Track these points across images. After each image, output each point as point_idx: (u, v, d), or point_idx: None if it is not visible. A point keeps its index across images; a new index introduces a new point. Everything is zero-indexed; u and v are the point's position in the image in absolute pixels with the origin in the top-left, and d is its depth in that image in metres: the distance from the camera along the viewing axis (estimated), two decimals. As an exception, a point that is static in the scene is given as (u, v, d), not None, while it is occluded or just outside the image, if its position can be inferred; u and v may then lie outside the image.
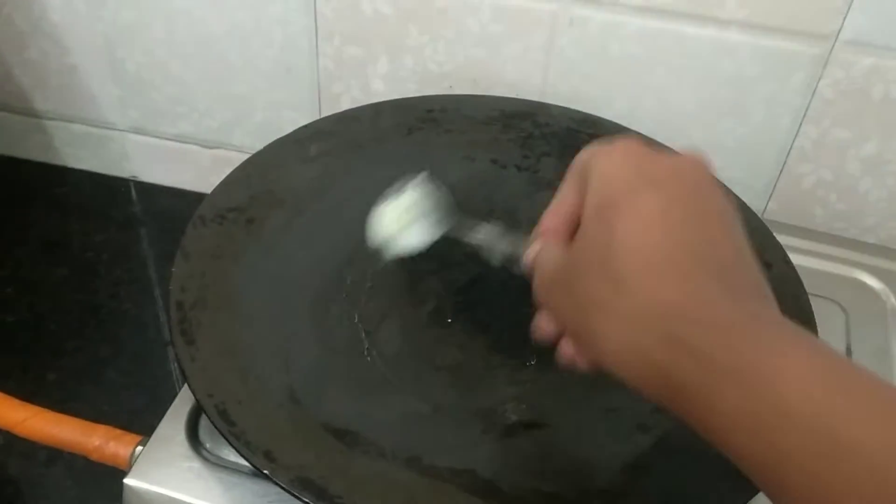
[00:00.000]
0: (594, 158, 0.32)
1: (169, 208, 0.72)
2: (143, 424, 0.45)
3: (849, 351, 0.50)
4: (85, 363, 0.59)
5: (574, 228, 0.33)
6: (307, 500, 0.34)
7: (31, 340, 0.60)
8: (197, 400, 0.38)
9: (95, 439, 0.43)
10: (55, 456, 0.54)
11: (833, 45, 0.52)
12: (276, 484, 0.35)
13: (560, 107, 0.57)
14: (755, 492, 0.37)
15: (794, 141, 0.57)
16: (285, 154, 0.52)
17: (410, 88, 0.61)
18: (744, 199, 0.49)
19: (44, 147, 0.72)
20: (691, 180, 0.30)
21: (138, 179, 0.73)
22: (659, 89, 0.57)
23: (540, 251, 0.35)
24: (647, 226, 0.28)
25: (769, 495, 0.26)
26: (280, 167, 0.51)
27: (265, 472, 0.35)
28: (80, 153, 0.72)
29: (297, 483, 0.35)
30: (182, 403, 0.43)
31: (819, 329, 0.44)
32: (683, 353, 0.26)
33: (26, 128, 0.71)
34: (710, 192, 0.31)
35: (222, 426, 0.37)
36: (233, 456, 0.41)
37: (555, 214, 0.35)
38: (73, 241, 0.68)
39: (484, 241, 0.41)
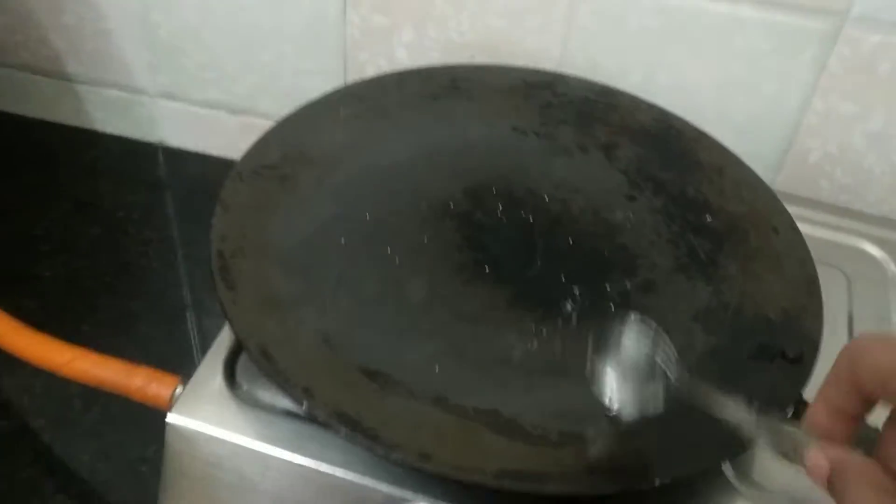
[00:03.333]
0: (868, 354, 0.30)
1: (195, 173, 0.74)
2: (171, 373, 0.48)
3: (851, 316, 0.52)
4: (118, 316, 0.61)
5: (846, 425, 0.32)
6: (343, 432, 0.37)
7: (65, 294, 0.62)
8: (239, 340, 0.40)
9: (137, 380, 0.45)
10: (90, 403, 0.57)
11: (843, 22, 0.54)
12: (314, 417, 0.37)
13: (578, 78, 0.59)
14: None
15: (803, 115, 0.59)
16: (315, 117, 0.54)
17: (433, 58, 0.63)
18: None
19: (75, 111, 0.75)
20: None
21: (166, 144, 0.75)
22: (674, 63, 0.59)
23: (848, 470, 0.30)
24: None
25: None
26: (311, 129, 0.53)
27: (303, 405, 0.38)
28: (110, 117, 0.75)
29: (334, 416, 0.37)
30: (219, 347, 0.46)
31: (823, 295, 0.46)
32: None
33: (59, 91, 0.74)
34: None
35: (263, 364, 0.39)
36: (269, 397, 0.43)
37: (823, 410, 0.33)
38: (103, 202, 0.71)
39: (733, 418, 0.36)
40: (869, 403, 0.31)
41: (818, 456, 0.31)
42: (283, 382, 0.39)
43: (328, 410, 0.38)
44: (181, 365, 0.47)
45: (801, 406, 0.41)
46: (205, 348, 0.47)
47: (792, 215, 0.51)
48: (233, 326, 0.41)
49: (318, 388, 0.39)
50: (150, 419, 0.54)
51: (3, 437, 0.55)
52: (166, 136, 0.75)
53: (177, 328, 0.61)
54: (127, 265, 0.65)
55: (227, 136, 0.72)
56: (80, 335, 0.59)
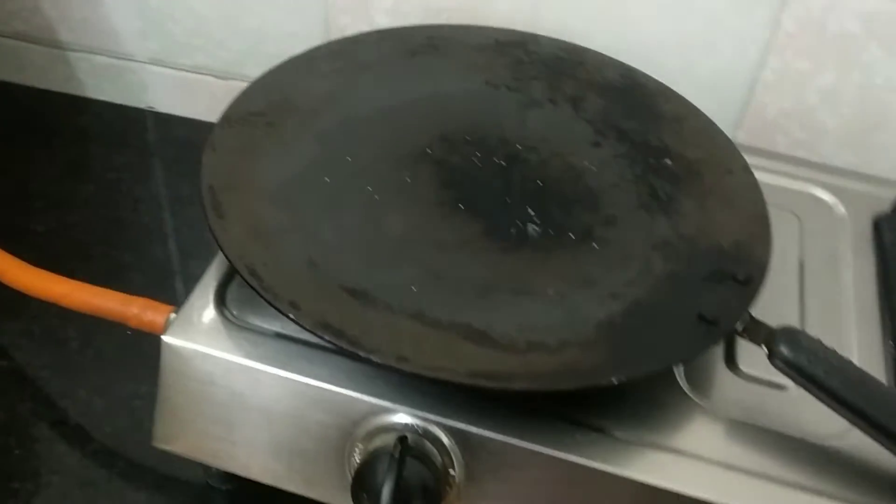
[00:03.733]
0: None
1: (183, 137, 0.77)
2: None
3: (801, 251, 0.56)
4: (111, 266, 0.64)
5: None
6: (328, 340, 0.40)
7: (60, 247, 0.65)
8: (230, 261, 0.43)
9: (134, 308, 0.48)
10: (86, 345, 0.60)
11: (795, -20, 0.58)
12: (301, 326, 0.41)
13: (548, 37, 0.63)
14: (700, 348, 0.43)
15: (759, 72, 0.63)
16: (299, 69, 0.57)
17: (412, 22, 0.66)
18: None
19: (67, 78, 0.78)
20: None
21: (155, 110, 0.78)
22: (639, 22, 0.63)
23: None
24: None
25: None
26: (295, 80, 0.56)
27: (291, 316, 0.41)
28: (100, 84, 0.77)
29: (319, 326, 0.41)
30: (210, 277, 0.49)
31: (775, 234, 0.50)
32: None
33: (51, 59, 0.76)
34: None
35: (252, 281, 0.42)
36: (258, 321, 0.47)
37: None
38: (95, 163, 0.73)
39: None
40: None
41: None
42: (271, 298, 0.42)
43: (313, 321, 0.41)
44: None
45: (749, 321, 0.44)
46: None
47: (750, 165, 0.54)
48: (223, 250, 0.44)
49: (303, 302, 0.42)
50: (142, 359, 0.57)
51: (4, 375, 0.57)
52: (155, 102, 0.78)
53: (166, 277, 0.64)
54: (119, 220, 0.68)
55: (213, 101, 0.75)
56: (75, 283, 0.62)
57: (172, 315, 0.48)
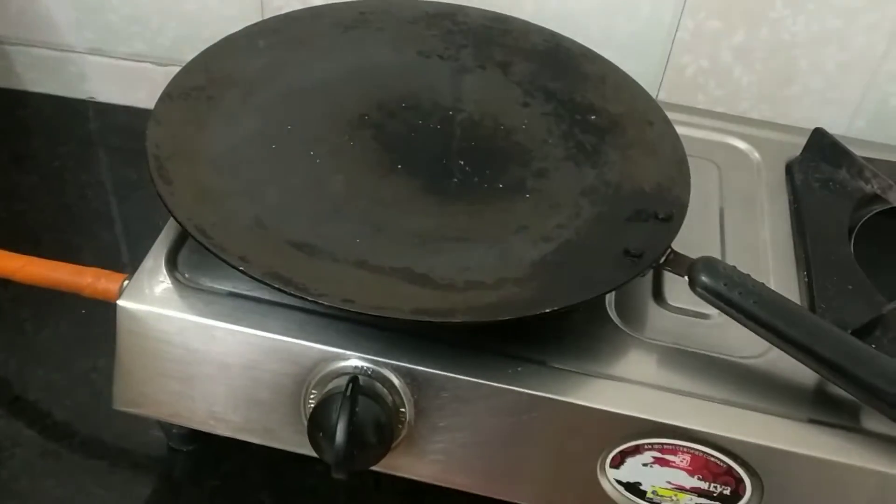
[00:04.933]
0: None
1: (124, 125, 0.78)
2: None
3: (721, 196, 0.59)
4: (62, 250, 0.64)
5: None
6: (277, 287, 0.42)
7: (10, 234, 0.66)
8: (179, 223, 0.45)
9: (88, 277, 0.50)
10: (41, 326, 0.61)
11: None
12: (251, 276, 0.43)
13: (476, 8, 0.66)
14: (626, 278, 0.46)
15: (675, 33, 0.67)
16: (237, 46, 0.59)
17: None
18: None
19: (5, 72, 0.78)
20: None
21: (96, 100, 0.79)
22: (560, -10, 0.66)
23: None
24: None
25: None
26: (233, 56, 0.58)
27: (241, 268, 0.43)
28: (39, 77, 0.78)
29: (269, 276, 0.43)
30: (161, 244, 0.51)
31: (697, 182, 0.53)
32: None
33: (-12, 54, 0.77)
34: None
35: (203, 240, 0.44)
36: (210, 281, 0.48)
37: None
38: (39, 154, 0.74)
39: None
40: None
41: None
42: (220, 253, 0.44)
43: (262, 271, 0.43)
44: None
45: (671, 254, 0.48)
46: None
47: (670, 119, 0.58)
48: (172, 213, 0.46)
49: (252, 256, 0.44)
50: (98, 335, 0.59)
51: (-41, 359, 0.58)
52: (95, 92, 0.79)
53: (117, 257, 0.66)
54: (66, 206, 0.69)
55: (154, 89, 0.75)
56: (27, 268, 0.63)
57: (126, 282, 0.49)
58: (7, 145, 0.75)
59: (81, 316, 0.60)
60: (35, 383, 0.57)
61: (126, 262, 0.65)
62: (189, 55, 0.71)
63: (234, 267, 0.43)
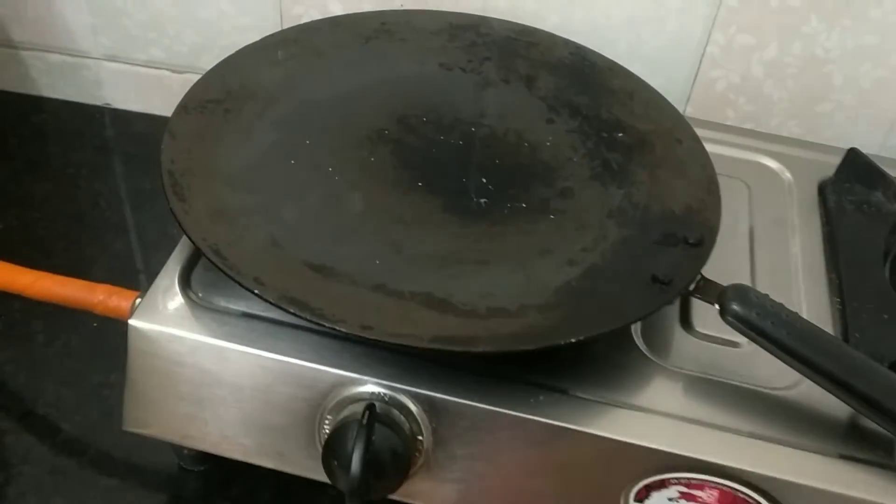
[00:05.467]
0: None
1: (141, 133, 0.77)
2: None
3: (751, 216, 0.57)
4: (73, 262, 0.64)
5: None
6: (293, 313, 0.41)
7: (21, 244, 0.65)
8: (193, 242, 0.44)
9: (99, 294, 0.49)
10: (53, 339, 0.60)
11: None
12: (265, 300, 0.41)
13: (500, 19, 0.64)
14: (654, 307, 0.44)
15: (705, 47, 0.65)
16: (255, 57, 0.58)
17: (365, 9, 0.67)
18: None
19: (21, 77, 0.77)
20: None
21: (112, 106, 0.78)
22: (588, 1, 0.64)
23: None
24: None
25: None
26: (251, 68, 0.57)
27: (256, 291, 0.42)
28: (55, 82, 0.77)
29: (284, 299, 0.41)
30: (174, 262, 0.49)
31: (726, 201, 0.51)
32: None
33: (4, 59, 0.76)
34: None
35: (217, 260, 0.43)
36: (223, 301, 0.47)
37: None
38: (53, 161, 0.73)
39: None
40: None
41: None
42: (235, 275, 0.42)
43: (278, 295, 0.42)
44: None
45: (701, 281, 0.46)
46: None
47: (700, 137, 0.56)
48: (186, 231, 0.44)
49: (267, 278, 0.43)
50: (110, 350, 0.58)
51: (-31, 371, 0.57)
52: (111, 98, 0.77)
53: (130, 270, 0.65)
54: (80, 216, 0.68)
55: (170, 96, 0.74)
56: (38, 279, 0.62)
57: (138, 300, 0.48)
58: (21, 151, 0.74)
59: (93, 330, 0.59)
60: (45, 398, 0.56)
61: (140, 272, 0.64)
62: (207, 63, 0.70)
63: (248, 290, 0.42)
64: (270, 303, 0.41)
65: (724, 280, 0.46)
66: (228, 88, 0.55)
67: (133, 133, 0.77)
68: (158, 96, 0.76)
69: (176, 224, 0.45)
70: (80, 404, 0.56)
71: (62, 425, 0.55)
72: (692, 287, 0.46)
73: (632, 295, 0.45)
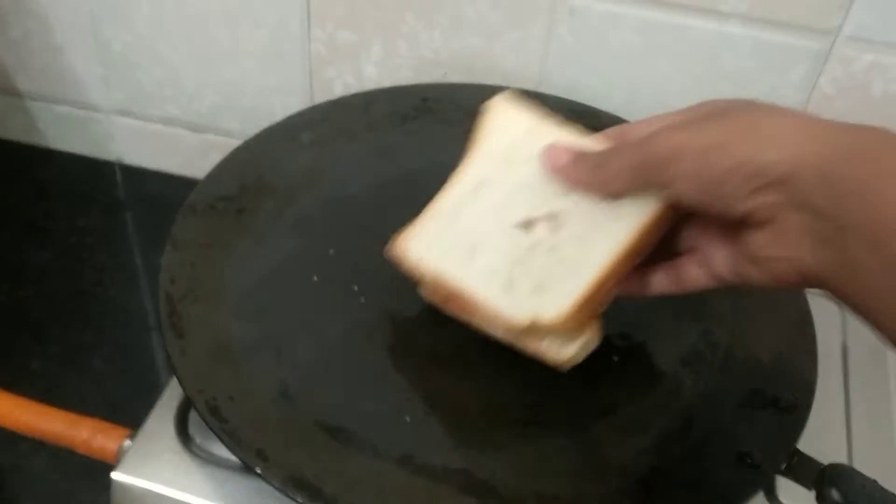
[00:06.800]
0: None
1: (156, 193, 0.70)
2: (127, 415, 0.44)
3: (845, 348, 0.49)
4: (69, 351, 0.58)
5: None
6: (301, 501, 0.34)
7: (13, 327, 0.59)
8: (187, 396, 0.37)
9: (83, 432, 0.42)
10: (38, 447, 0.53)
11: (834, 41, 0.51)
12: (269, 483, 0.34)
13: (557, 97, 0.56)
14: (745, 495, 0.37)
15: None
16: (276, 142, 0.51)
17: (404, 76, 0.60)
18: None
19: (27, 128, 0.71)
20: None
21: (124, 162, 0.71)
22: (658, 82, 0.56)
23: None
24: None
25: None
26: (271, 155, 0.50)
27: (257, 471, 0.35)
28: (64, 134, 0.71)
29: (291, 483, 0.34)
30: (171, 396, 0.43)
31: (817, 325, 0.44)
32: (848, 158, 0.29)
33: (9, 108, 0.70)
34: None
35: (213, 423, 0.36)
36: (224, 451, 0.40)
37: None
38: (56, 224, 0.67)
39: None
40: None
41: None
42: (234, 445, 0.35)
43: (284, 475, 0.35)
44: (139, 407, 0.44)
45: (795, 457, 0.38)
46: (164, 386, 0.44)
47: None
48: (181, 380, 0.37)
49: (273, 449, 0.36)
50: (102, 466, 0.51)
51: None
52: (123, 154, 0.71)
53: (133, 364, 0.58)
54: (80, 293, 0.62)
55: (187, 154, 0.68)
56: (28, 372, 0.56)
57: (127, 442, 0.41)
58: (23, 212, 0.68)
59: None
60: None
61: (144, 374, 0.57)
62: (227, 124, 0.64)
63: (249, 467, 0.35)
64: (275, 486, 0.34)
65: (812, 439, 0.38)
66: (243, 182, 0.48)
67: (146, 194, 0.70)
68: (174, 154, 0.69)
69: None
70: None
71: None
72: (783, 466, 0.38)
73: (713, 480, 0.37)
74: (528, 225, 0.39)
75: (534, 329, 0.37)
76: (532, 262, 0.38)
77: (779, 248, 0.32)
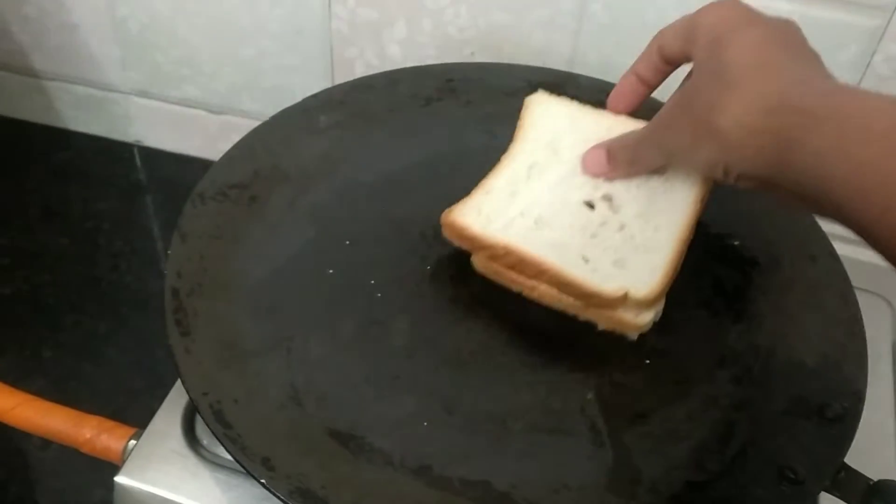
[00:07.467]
0: (699, 17, 0.38)
1: (174, 175, 0.68)
2: (141, 406, 0.43)
3: (895, 348, 0.46)
4: (83, 339, 0.56)
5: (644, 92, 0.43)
6: (307, 514, 0.32)
7: (28, 314, 0.58)
8: (191, 399, 0.35)
9: (87, 431, 0.40)
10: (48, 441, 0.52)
11: (891, 17, 0.48)
12: (275, 495, 0.32)
13: (590, 77, 0.53)
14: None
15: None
16: (293, 125, 0.48)
17: (429, 55, 0.57)
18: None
19: (44, 108, 0.69)
20: (785, 27, 0.37)
21: (143, 144, 0.69)
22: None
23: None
24: (752, 46, 0.35)
25: (854, 221, 0.31)
26: (287, 140, 0.48)
27: (262, 481, 0.32)
28: (82, 115, 0.69)
29: (298, 494, 0.32)
30: (178, 395, 0.41)
31: (866, 322, 0.41)
32: (789, 113, 0.32)
33: (26, 87, 0.68)
34: (802, 39, 0.37)
35: (217, 429, 0.34)
36: (231, 454, 0.38)
37: (633, 80, 0.43)
38: (73, 209, 0.65)
39: None
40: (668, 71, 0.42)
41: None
42: (239, 452, 0.33)
43: (291, 486, 0.32)
44: (153, 396, 0.42)
45: (841, 472, 0.35)
46: (172, 384, 0.42)
47: (830, 234, 0.45)
48: (185, 383, 0.35)
49: (280, 457, 0.34)
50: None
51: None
52: (142, 136, 0.69)
53: (148, 353, 0.56)
54: (95, 281, 0.60)
55: (207, 136, 0.66)
56: (42, 362, 0.55)
57: (132, 442, 0.40)
58: (40, 195, 0.66)
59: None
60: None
61: (158, 364, 0.55)
62: (247, 104, 0.62)
63: (255, 478, 0.33)
64: (280, 498, 0.32)
65: (860, 451, 0.36)
66: (257, 168, 0.46)
67: (164, 176, 0.68)
68: (193, 136, 0.67)
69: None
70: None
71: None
72: (829, 481, 0.35)
73: (752, 497, 0.34)
74: (590, 204, 0.41)
75: (623, 301, 0.38)
76: (606, 238, 0.40)
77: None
